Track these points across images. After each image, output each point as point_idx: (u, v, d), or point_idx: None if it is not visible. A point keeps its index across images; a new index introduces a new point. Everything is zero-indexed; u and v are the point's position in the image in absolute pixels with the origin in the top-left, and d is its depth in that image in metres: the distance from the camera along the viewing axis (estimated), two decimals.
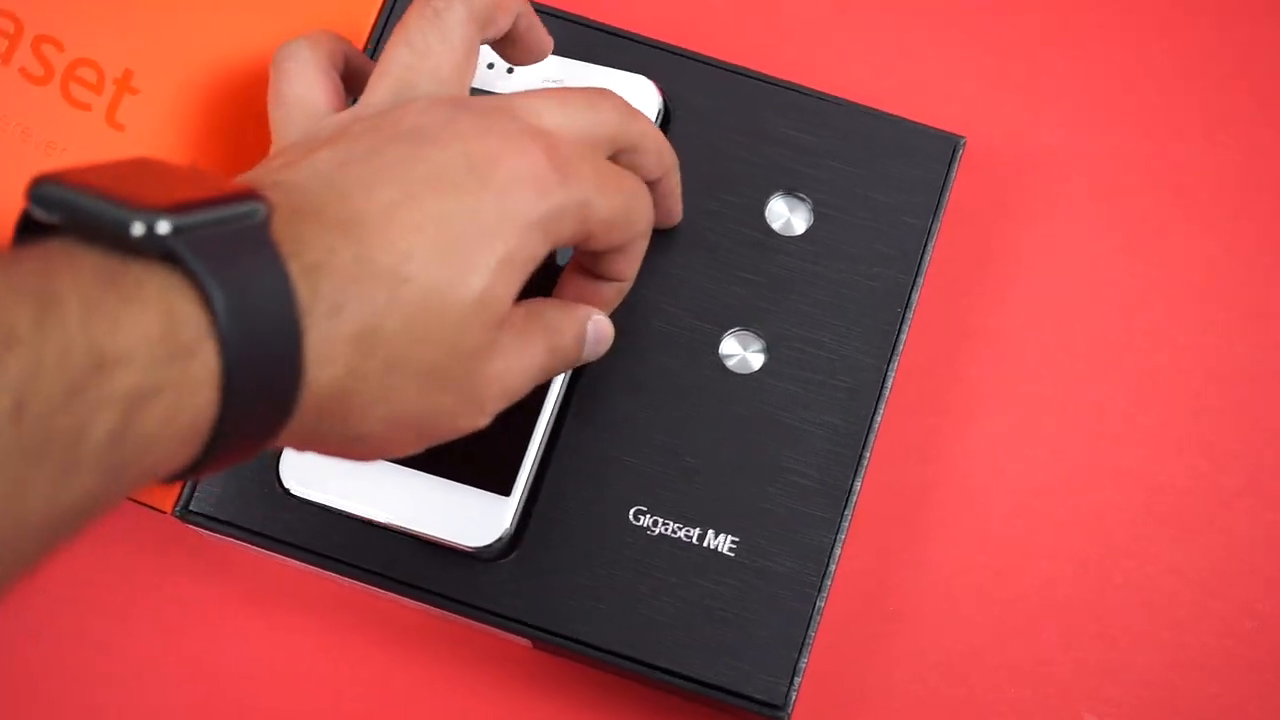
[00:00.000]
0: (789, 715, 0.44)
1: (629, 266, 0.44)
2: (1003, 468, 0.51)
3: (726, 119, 0.49)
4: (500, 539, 0.45)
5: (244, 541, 0.46)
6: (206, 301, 0.31)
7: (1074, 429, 0.52)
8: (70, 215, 0.30)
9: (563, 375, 0.46)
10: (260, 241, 0.33)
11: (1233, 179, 0.54)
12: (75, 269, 0.29)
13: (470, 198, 0.37)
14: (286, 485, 0.45)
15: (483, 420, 0.39)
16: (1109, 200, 0.54)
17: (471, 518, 0.45)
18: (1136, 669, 0.49)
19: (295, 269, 0.33)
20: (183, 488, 0.47)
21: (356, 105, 0.40)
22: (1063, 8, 0.56)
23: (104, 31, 0.45)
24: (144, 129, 0.46)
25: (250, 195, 0.33)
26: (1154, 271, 0.53)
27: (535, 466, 0.46)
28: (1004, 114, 0.55)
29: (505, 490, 0.45)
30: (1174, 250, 0.54)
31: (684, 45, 0.50)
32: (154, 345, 0.30)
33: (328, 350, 0.34)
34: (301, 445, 0.37)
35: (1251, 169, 0.54)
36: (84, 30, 0.45)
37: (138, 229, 0.30)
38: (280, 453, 0.45)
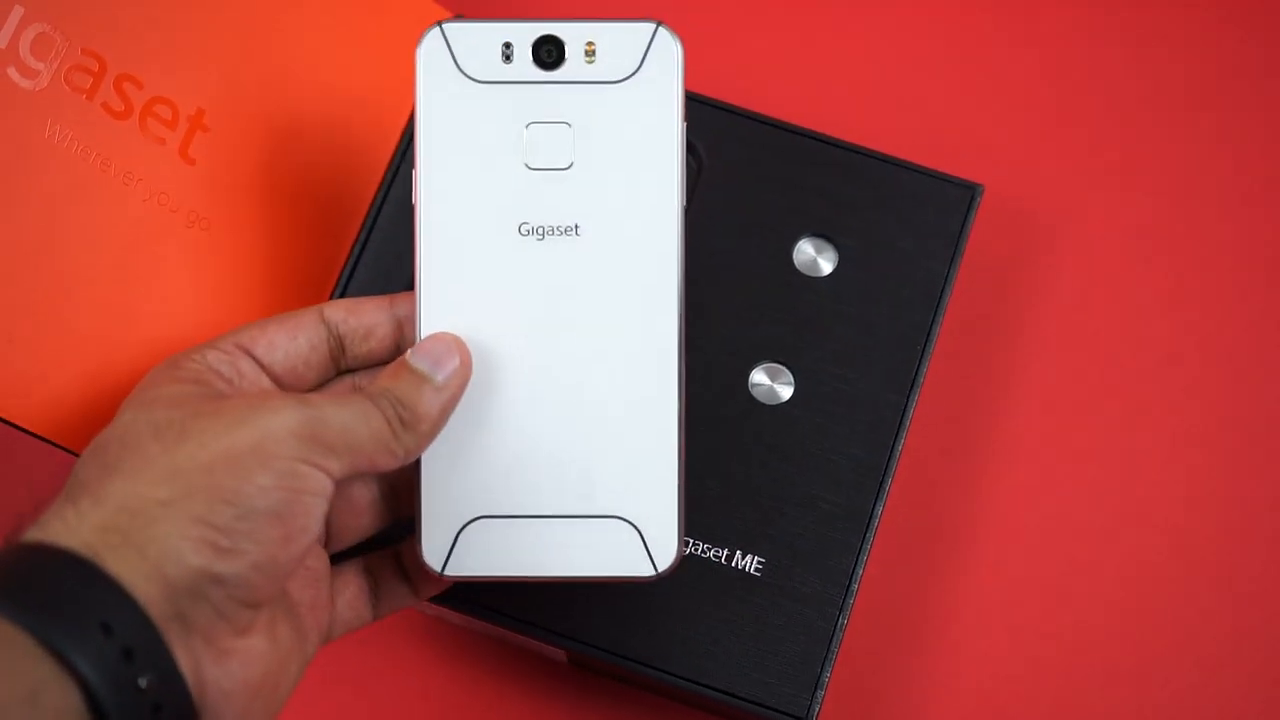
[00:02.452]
0: None
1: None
2: (1024, 503, 0.54)
3: (758, 167, 0.53)
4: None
5: None
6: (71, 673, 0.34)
7: (1094, 468, 0.54)
8: None
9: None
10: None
11: (1262, 245, 0.57)
12: None
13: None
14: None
15: (325, 482, 0.38)
16: (1138, 256, 0.57)
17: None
18: (1172, 707, 0.51)
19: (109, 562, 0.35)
20: None
21: None
22: (1102, 74, 0.59)
23: (180, 73, 0.49)
24: (212, 163, 0.49)
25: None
26: (1173, 320, 0.56)
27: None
28: (1033, 166, 0.58)
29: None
30: (1194, 305, 0.56)
31: (719, 98, 0.53)
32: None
33: (153, 593, 0.35)
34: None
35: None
36: (162, 71, 0.48)
37: None
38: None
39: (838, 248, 0.52)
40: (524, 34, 0.41)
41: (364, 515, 0.43)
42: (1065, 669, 0.52)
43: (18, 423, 0.45)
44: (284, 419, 0.38)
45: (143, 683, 0.34)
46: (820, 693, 0.47)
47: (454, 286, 0.41)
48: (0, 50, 0.45)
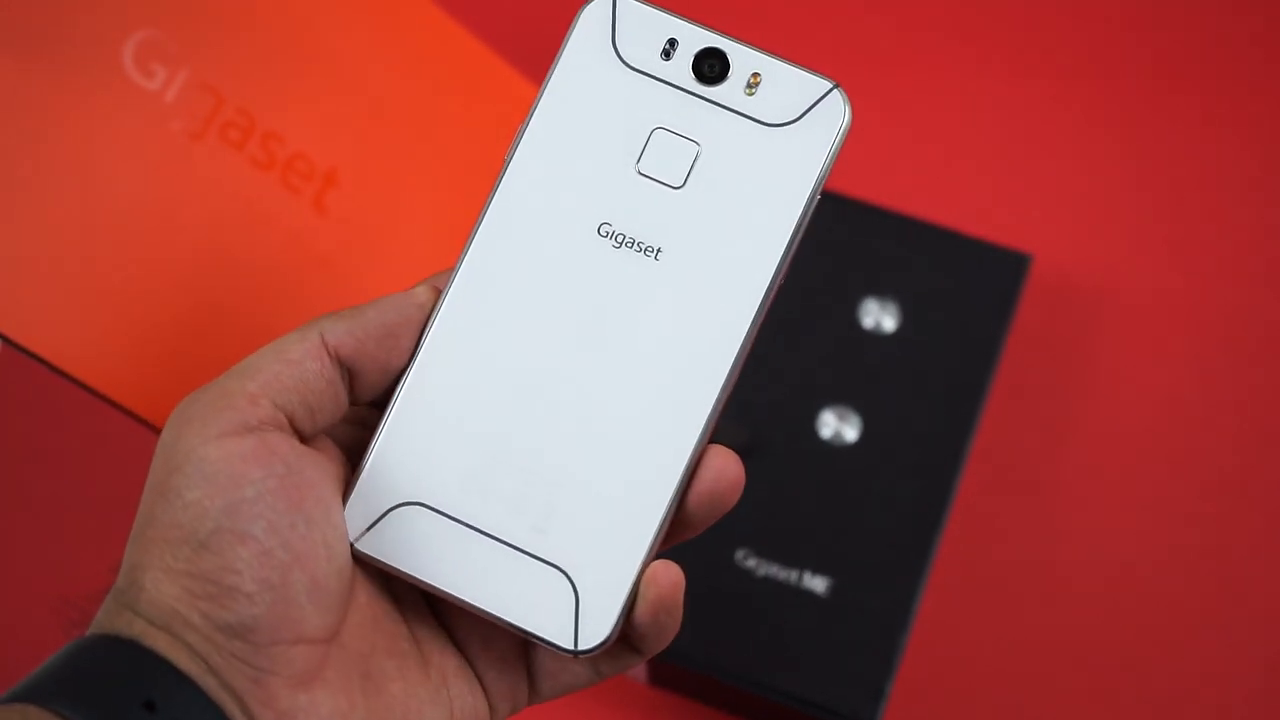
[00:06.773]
0: None
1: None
2: (1068, 540, 0.58)
3: (829, 234, 0.58)
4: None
5: None
6: None
7: (1145, 515, 0.59)
8: None
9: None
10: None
11: None
12: None
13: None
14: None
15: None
16: (1183, 329, 0.62)
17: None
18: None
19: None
20: None
21: None
22: (1156, 155, 0.64)
23: (318, 135, 0.55)
24: (340, 214, 0.55)
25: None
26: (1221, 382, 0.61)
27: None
28: (1079, 239, 0.63)
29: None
30: (1234, 374, 0.61)
31: None
32: None
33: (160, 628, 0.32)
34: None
35: None
36: (303, 132, 0.54)
37: None
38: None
39: (899, 307, 0.57)
40: (693, 38, 0.37)
41: None
42: (1109, 686, 0.56)
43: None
44: (202, 392, 0.33)
45: None
46: (883, 702, 0.51)
47: (505, 251, 0.37)
48: (169, 105, 0.51)
